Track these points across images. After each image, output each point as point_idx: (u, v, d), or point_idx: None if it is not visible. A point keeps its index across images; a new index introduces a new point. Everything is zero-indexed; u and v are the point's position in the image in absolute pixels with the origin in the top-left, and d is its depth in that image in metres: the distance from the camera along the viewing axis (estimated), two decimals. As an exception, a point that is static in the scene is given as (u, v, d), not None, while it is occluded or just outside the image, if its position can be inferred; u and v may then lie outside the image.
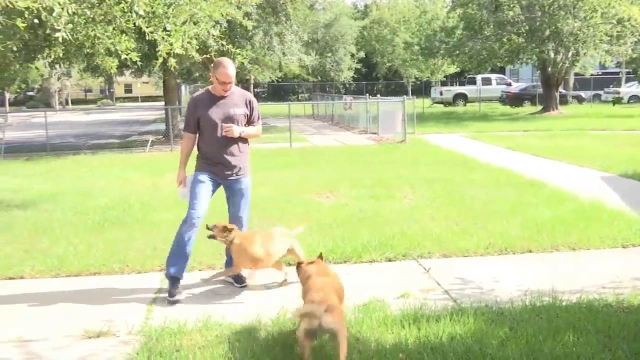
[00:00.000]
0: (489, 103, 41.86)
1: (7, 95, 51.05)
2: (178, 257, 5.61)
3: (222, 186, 5.86)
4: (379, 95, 27.62)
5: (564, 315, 4.75)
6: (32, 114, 40.53)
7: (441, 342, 4.31)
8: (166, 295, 5.58)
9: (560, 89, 35.21)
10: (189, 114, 5.76)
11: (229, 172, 5.73)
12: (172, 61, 7.79)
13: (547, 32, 29.59)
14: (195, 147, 5.85)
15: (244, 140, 5.81)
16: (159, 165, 14.81)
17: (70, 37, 6.67)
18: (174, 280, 5.59)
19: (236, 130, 5.63)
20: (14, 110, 50.64)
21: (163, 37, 7.43)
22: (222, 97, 5.68)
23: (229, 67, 5.57)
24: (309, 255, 5.95)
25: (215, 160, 5.69)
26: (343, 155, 16.24)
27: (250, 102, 5.85)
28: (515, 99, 38.78)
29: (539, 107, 33.99)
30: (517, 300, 5.19)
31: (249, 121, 5.83)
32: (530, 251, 6.81)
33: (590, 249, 6.86)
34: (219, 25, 9.02)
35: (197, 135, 5.79)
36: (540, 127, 23.33)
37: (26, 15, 6.42)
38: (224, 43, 9.21)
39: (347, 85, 60.04)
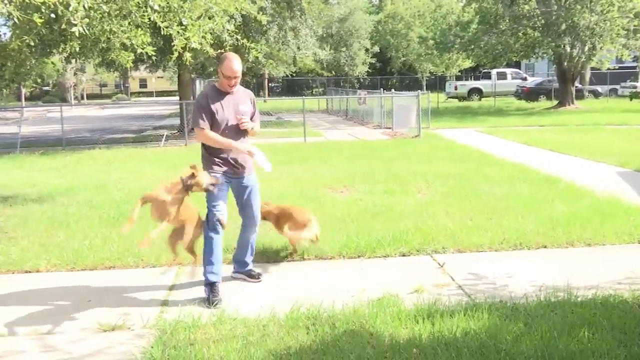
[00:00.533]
0: (504, 98, 41.62)
1: (23, 90, 51.38)
2: (211, 261, 5.55)
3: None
4: (393, 90, 27.61)
5: (579, 311, 4.73)
6: (48, 109, 40.81)
7: (455, 338, 4.30)
8: (186, 292, 5.63)
9: (576, 84, 34.94)
10: (202, 107, 5.54)
11: (239, 170, 5.67)
12: (187, 55, 7.81)
13: (563, 26, 29.35)
14: (202, 147, 5.71)
15: (248, 137, 5.78)
16: (173, 159, 14.86)
17: (86, 31, 6.70)
18: (212, 286, 5.49)
19: (249, 123, 5.64)
20: (30, 105, 51.00)
21: (178, 32, 7.45)
22: (229, 94, 5.65)
23: (235, 62, 5.51)
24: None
25: (225, 157, 5.61)
26: (357, 150, 16.22)
27: (253, 100, 5.86)
28: (530, 94, 38.54)
29: (555, 102, 33.76)
30: (532, 295, 5.17)
31: (251, 119, 5.79)
32: (545, 247, 6.78)
33: (606, 244, 6.81)
34: (233, 19, 9.03)
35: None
36: (555, 122, 23.17)
37: (43, 10, 6.45)
38: (239, 38, 9.21)
39: (362, 80, 59.93)
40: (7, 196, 10.39)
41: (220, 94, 5.63)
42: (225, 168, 5.62)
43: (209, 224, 5.60)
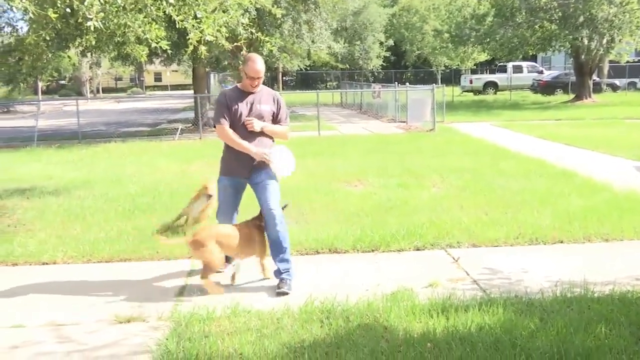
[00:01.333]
0: (519, 91, 41.33)
1: (40, 84, 51.70)
2: None
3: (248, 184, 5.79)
4: (407, 84, 27.49)
5: (596, 307, 4.69)
6: (64, 102, 41.06)
7: (470, 332, 4.29)
8: (195, 281, 5.66)
9: (594, 77, 34.61)
10: (221, 106, 5.65)
11: (248, 170, 5.63)
12: (202, 49, 7.81)
13: (581, 19, 29.06)
14: (223, 148, 5.79)
15: (267, 137, 5.73)
16: (188, 153, 14.91)
17: (101, 25, 6.72)
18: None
19: (257, 124, 5.57)
20: (46, 98, 51.33)
21: (193, 25, 7.45)
22: (250, 94, 5.67)
23: (258, 63, 5.56)
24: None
25: (237, 156, 5.62)
26: (371, 143, 16.18)
27: (277, 100, 5.81)
28: (547, 87, 38.24)
29: (572, 96, 33.48)
30: (548, 291, 5.14)
31: (276, 120, 5.78)
32: (562, 242, 6.73)
33: (624, 239, 6.76)
34: (248, 13, 9.02)
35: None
36: (572, 116, 23.00)
37: (58, 5, 6.48)
38: (253, 31, 9.20)
39: (376, 74, 59.72)
40: (24, 189, 10.47)
41: (242, 93, 5.68)
42: (236, 169, 5.67)
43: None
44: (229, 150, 5.70)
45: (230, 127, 5.60)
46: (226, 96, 5.73)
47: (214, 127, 5.79)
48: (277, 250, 5.59)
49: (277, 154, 5.63)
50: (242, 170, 5.65)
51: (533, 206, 8.15)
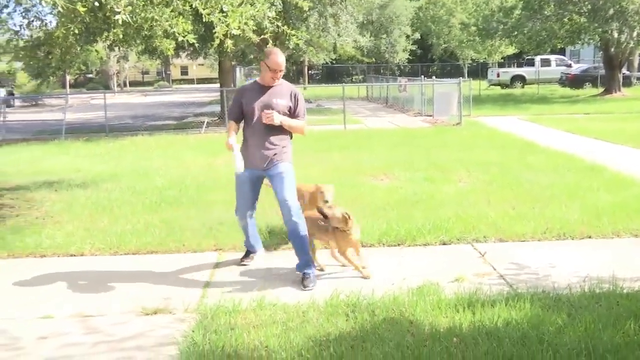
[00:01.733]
0: (547, 85, 40.86)
1: (68, 78, 52.29)
2: (248, 240, 6.11)
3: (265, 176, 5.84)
4: (434, 77, 27.32)
5: (625, 303, 4.63)
6: (92, 96, 41.48)
7: (496, 327, 4.25)
8: (227, 279, 5.72)
9: (624, 70, 34.09)
10: (233, 102, 5.86)
11: (265, 162, 5.65)
12: (228, 42, 7.82)
13: (611, 11, 28.60)
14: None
15: (285, 132, 5.73)
16: (214, 146, 14.97)
17: (129, 19, 6.77)
18: (248, 252, 6.15)
19: (276, 117, 5.55)
20: (74, 92, 51.90)
21: (219, 19, 7.47)
22: (269, 88, 5.69)
23: (280, 56, 5.61)
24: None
25: (254, 149, 5.67)
26: (397, 137, 16.12)
27: (295, 95, 5.77)
28: (575, 81, 37.71)
29: (601, 89, 32.99)
30: (576, 286, 5.07)
31: (293, 115, 5.75)
32: (590, 237, 6.65)
33: (653, 235, 6.65)
34: (274, 6, 9.02)
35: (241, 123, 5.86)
36: (601, 110, 22.68)
37: (87, -1, 6.54)
38: (280, 24, 9.20)
39: (402, 67, 59.46)
40: (52, 181, 10.61)
41: (261, 87, 5.72)
42: (253, 161, 5.69)
43: (237, 217, 6.04)
44: (245, 143, 5.77)
45: (245, 121, 5.77)
46: (242, 91, 5.88)
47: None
48: (295, 242, 5.63)
49: (237, 147, 5.65)
50: (258, 162, 5.67)
51: (561, 201, 8.06)
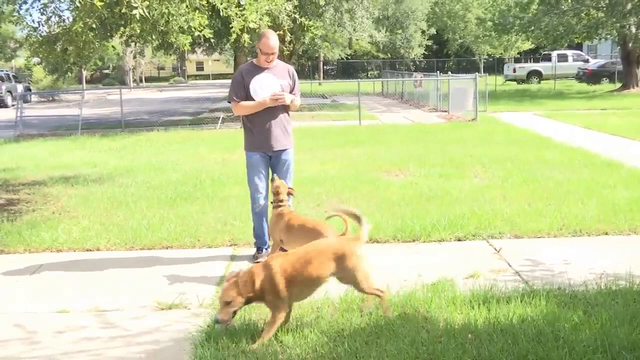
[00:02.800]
0: (564, 80, 40.57)
1: (84, 73, 52.59)
2: (255, 231, 6.22)
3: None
4: (449, 73, 27.20)
5: (642, 300, 4.59)
6: (108, 92, 41.66)
7: (511, 324, 4.23)
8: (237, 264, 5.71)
9: (642, 66, 33.73)
10: (237, 83, 5.90)
11: (275, 144, 5.92)
12: (245, 37, 7.84)
13: (629, 6, 28.31)
14: (243, 129, 6.09)
15: (287, 111, 6.03)
16: (229, 141, 15.00)
17: (146, 13, 6.80)
18: (259, 249, 6.20)
19: (287, 97, 5.84)
20: (90, 87, 52.19)
21: (236, 13, 7.48)
22: (266, 69, 5.88)
23: (272, 38, 5.78)
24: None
25: (263, 131, 5.88)
26: (412, 133, 16.07)
27: (292, 74, 6.08)
28: (592, 76, 37.42)
29: (618, 85, 32.71)
30: (592, 283, 5.04)
31: (291, 92, 6.01)
32: (606, 233, 6.60)
33: (671, 232, 6.59)
34: (290, 1, 9.02)
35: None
36: (618, 106, 22.48)
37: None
38: (297, 17, 9.19)
39: (417, 63, 59.28)
40: (69, 176, 10.69)
41: (257, 69, 5.90)
42: (261, 144, 5.92)
43: (252, 205, 6.11)
44: (254, 124, 5.92)
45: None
46: (242, 73, 5.95)
47: (229, 103, 5.98)
48: None
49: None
50: (268, 144, 5.91)
51: (577, 197, 8.01)
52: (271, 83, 5.85)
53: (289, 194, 5.74)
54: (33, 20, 9.52)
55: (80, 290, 5.36)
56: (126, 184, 9.84)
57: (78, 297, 5.18)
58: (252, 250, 6.28)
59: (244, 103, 5.87)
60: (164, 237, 6.77)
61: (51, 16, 9.00)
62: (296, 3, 16.05)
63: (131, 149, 14.64)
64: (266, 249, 6.16)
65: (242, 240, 6.59)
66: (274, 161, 6.05)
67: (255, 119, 5.89)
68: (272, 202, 5.68)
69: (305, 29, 9.07)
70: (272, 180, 5.76)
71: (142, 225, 7.23)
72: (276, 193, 5.63)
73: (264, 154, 5.99)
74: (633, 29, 29.15)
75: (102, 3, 6.66)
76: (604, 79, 36.71)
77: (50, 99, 39.41)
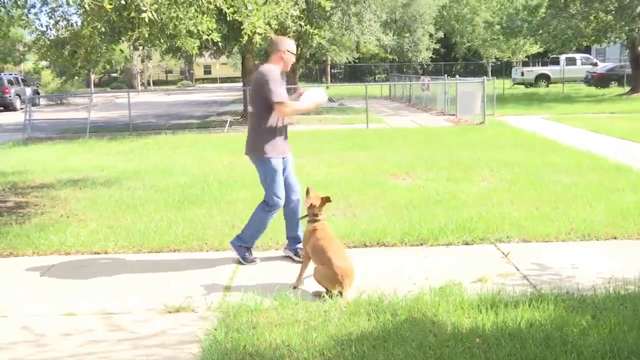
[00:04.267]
0: (572, 84, 40.46)
1: (92, 77, 52.78)
2: (259, 234, 6.15)
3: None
4: (457, 76, 27.17)
5: (651, 305, 4.57)
6: (116, 95, 41.83)
7: (519, 328, 4.22)
8: (249, 277, 5.75)
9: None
10: (279, 84, 5.70)
11: (288, 146, 6.06)
12: (257, 38, 7.84)
13: (638, 9, 28.23)
14: (257, 133, 5.87)
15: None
16: (236, 145, 15.00)
17: (155, 17, 6.83)
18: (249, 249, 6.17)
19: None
20: (98, 91, 52.39)
21: (247, 15, 7.49)
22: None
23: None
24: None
25: (282, 136, 5.92)
26: (420, 136, 16.05)
27: None
28: (601, 80, 37.28)
29: (627, 88, 32.58)
30: (600, 288, 5.01)
31: None
32: (615, 238, 6.57)
33: (680, 236, 6.55)
34: (297, 5, 9.03)
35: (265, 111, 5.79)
36: (627, 109, 22.40)
37: (113, -4, 6.59)
38: (302, 24, 9.20)
39: (425, 66, 59.23)
40: (77, 179, 10.72)
41: (281, 75, 5.87)
42: (283, 149, 5.94)
43: (272, 206, 5.98)
44: (279, 131, 5.86)
45: (268, 110, 5.76)
46: (277, 73, 5.79)
47: (272, 106, 5.65)
48: (296, 221, 6.13)
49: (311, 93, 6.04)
50: (286, 148, 6.03)
51: (586, 201, 7.98)
52: (320, 91, 6.06)
53: (324, 203, 5.41)
54: (41, 24, 9.56)
55: (87, 293, 5.37)
56: (134, 187, 9.86)
57: (85, 300, 5.19)
58: (260, 253, 6.27)
59: (295, 104, 5.86)
60: (171, 240, 6.78)
61: (59, 20, 9.04)
62: (304, 7, 16.11)
63: (139, 152, 14.67)
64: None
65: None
66: (286, 163, 6.09)
67: (280, 124, 5.85)
68: (306, 216, 5.45)
69: (311, 36, 9.07)
70: (308, 193, 5.44)
71: (150, 228, 7.24)
72: (311, 206, 5.39)
73: (282, 160, 6.00)
74: (642, 33, 29.06)
75: (112, 6, 6.69)
76: (613, 82, 36.58)
77: (59, 102, 39.60)
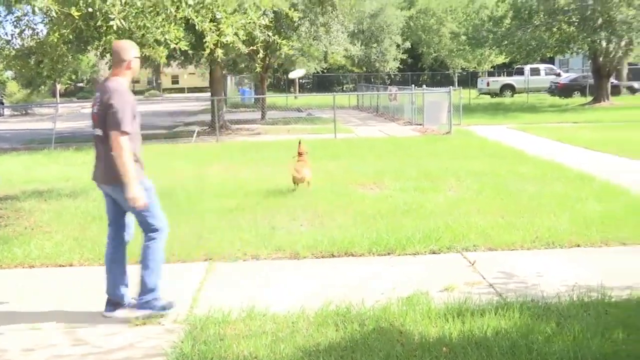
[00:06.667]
0: (537, 94, 41.08)
1: (58, 87, 52.11)
2: (161, 270, 5.19)
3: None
4: (424, 86, 27.40)
5: (614, 311, 4.65)
6: (82, 105, 41.31)
7: (486, 337, 4.26)
8: (216, 288, 5.66)
9: (612, 80, 34.31)
10: (130, 108, 4.84)
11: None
12: (219, 52, 7.84)
13: (600, 21, 28.82)
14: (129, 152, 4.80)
15: None
16: (205, 155, 14.96)
17: (124, 24, 6.79)
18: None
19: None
20: (64, 101, 51.72)
21: (211, 28, 7.49)
22: None
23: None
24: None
25: (139, 161, 5.06)
26: (387, 146, 16.15)
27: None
28: (564, 90, 37.94)
29: (589, 98, 33.21)
30: (564, 295, 5.09)
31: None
32: (579, 245, 6.68)
33: (642, 244, 6.68)
34: (265, 15, 9.06)
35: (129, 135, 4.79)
36: (590, 119, 22.81)
37: (80, 4, 6.55)
38: (270, 34, 9.23)
39: (392, 76, 59.56)
40: (42, 191, 10.56)
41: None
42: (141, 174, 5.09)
43: (163, 234, 5.20)
44: (136, 152, 4.96)
45: (135, 133, 4.94)
46: (127, 91, 4.96)
47: (113, 131, 4.70)
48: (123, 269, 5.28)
49: None
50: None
51: (550, 210, 8.10)
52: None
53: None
54: (6, 33, 9.45)
55: (52, 307, 5.29)
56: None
57: (50, 314, 5.11)
58: (228, 265, 6.24)
59: (129, 155, 4.79)
60: (138, 253, 6.66)
61: (25, 29, 8.94)
62: (271, 18, 16.14)
63: (105, 162, 14.49)
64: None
65: (217, 255, 6.56)
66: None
67: (138, 144, 5.04)
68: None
69: (279, 46, 9.10)
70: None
71: (116, 240, 7.15)
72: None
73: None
74: (603, 44, 29.67)
75: (79, 13, 6.64)
76: (576, 92, 37.23)
77: (24, 112, 38.97)
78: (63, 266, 6.46)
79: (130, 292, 5.16)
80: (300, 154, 10.14)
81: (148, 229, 5.08)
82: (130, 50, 5.00)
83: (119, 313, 5.04)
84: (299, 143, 10.24)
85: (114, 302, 5.09)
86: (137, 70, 5.17)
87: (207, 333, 4.50)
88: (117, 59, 4.98)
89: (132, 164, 4.77)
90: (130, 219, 5.24)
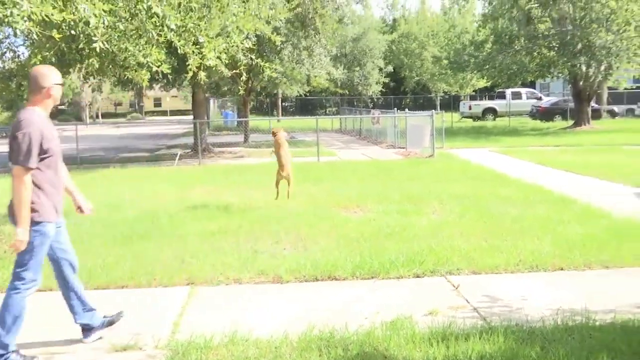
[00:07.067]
0: (518, 117, 41.51)
1: (40, 109, 51.84)
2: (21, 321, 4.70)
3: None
4: (407, 110, 27.58)
5: (598, 335, 4.65)
6: (63, 128, 41.06)
7: (470, 361, 4.23)
8: (198, 313, 5.59)
9: (593, 103, 34.76)
10: (37, 143, 4.44)
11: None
12: (201, 75, 7.83)
13: (579, 46, 29.27)
14: (29, 190, 4.47)
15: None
16: (187, 178, 14.89)
17: (107, 46, 6.77)
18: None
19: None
20: (46, 123, 51.34)
21: (193, 51, 7.49)
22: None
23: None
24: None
25: (59, 192, 4.80)
26: (370, 169, 16.18)
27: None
28: (545, 114, 38.39)
29: (570, 122, 33.62)
30: (549, 319, 5.08)
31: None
32: (562, 269, 6.69)
33: (624, 267, 6.70)
34: (248, 39, 9.09)
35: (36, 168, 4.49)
36: (571, 142, 23.05)
37: (63, 27, 6.52)
38: (253, 57, 9.24)
39: (375, 100, 59.95)
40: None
41: (46, 118, 4.68)
42: (57, 208, 4.82)
43: (34, 283, 4.85)
44: (48, 195, 4.68)
45: (48, 165, 4.59)
46: (41, 125, 4.53)
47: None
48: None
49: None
50: (61, 209, 4.95)
51: (533, 233, 8.12)
52: None
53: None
54: (-14, 57, 9.38)
55: (31, 332, 5.18)
56: (80, 222, 9.61)
57: (29, 339, 5.00)
58: (211, 289, 6.17)
59: (28, 194, 4.49)
60: (119, 276, 6.62)
61: (5, 52, 8.90)
62: (254, 41, 16.20)
63: (86, 186, 14.35)
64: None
65: (200, 279, 6.49)
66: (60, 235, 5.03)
67: (57, 179, 4.77)
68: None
69: (262, 69, 9.14)
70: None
71: (97, 264, 7.06)
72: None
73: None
74: (583, 68, 30.09)
75: (61, 35, 6.61)
76: (557, 116, 37.68)
77: (4, 135, 38.67)
78: (42, 291, 6.33)
79: (99, 312, 5.10)
80: (274, 134, 11.56)
81: (17, 276, 4.74)
82: (50, 76, 4.61)
83: (93, 337, 4.98)
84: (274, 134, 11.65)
85: (88, 328, 5.01)
86: (58, 99, 4.73)
87: (189, 359, 4.43)
88: (35, 86, 4.58)
89: (28, 204, 4.46)
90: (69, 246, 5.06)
